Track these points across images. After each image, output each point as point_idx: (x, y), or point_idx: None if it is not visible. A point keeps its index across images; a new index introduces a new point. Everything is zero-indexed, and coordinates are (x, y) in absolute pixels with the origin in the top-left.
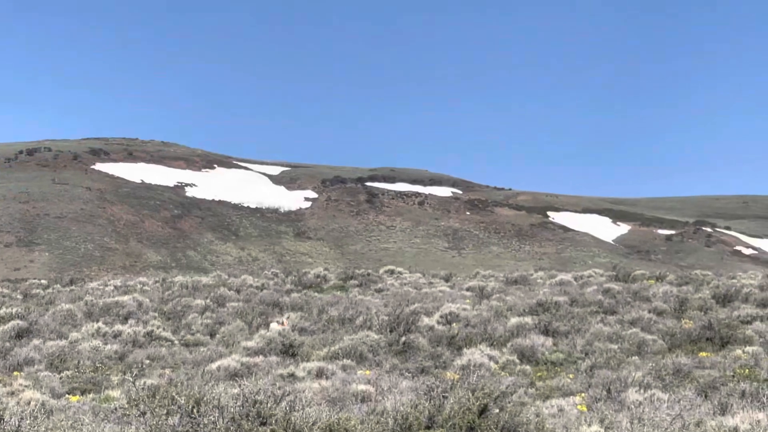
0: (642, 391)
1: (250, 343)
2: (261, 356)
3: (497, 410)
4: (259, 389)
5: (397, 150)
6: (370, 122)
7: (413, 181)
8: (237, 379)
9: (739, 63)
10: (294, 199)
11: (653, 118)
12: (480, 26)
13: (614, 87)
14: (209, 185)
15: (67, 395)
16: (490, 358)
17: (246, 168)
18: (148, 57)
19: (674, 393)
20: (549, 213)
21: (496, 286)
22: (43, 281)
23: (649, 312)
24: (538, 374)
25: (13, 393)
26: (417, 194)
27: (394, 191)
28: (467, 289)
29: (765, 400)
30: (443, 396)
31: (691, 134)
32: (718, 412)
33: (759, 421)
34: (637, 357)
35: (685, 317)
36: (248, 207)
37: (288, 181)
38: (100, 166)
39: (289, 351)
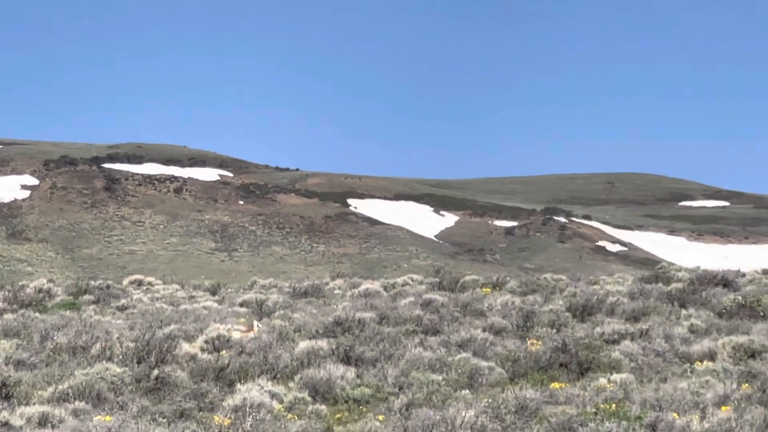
0: None
1: None
2: None
3: None
4: None
5: (146, 121)
6: (106, 83)
7: (167, 161)
8: None
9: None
10: (6, 188)
11: (482, 78)
12: None
13: (429, 39)
14: None
15: None
16: (273, 395)
17: None
18: None
19: None
20: (350, 201)
21: (279, 300)
22: None
23: (484, 331)
24: (337, 416)
25: None
26: (173, 178)
27: (142, 175)
28: (241, 305)
29: None
30: None
31: (533, 97)
32: None
33: None
34: (468, 390)
35: (531, 337)
36: None
37: None
38: None
39: (0, 391)
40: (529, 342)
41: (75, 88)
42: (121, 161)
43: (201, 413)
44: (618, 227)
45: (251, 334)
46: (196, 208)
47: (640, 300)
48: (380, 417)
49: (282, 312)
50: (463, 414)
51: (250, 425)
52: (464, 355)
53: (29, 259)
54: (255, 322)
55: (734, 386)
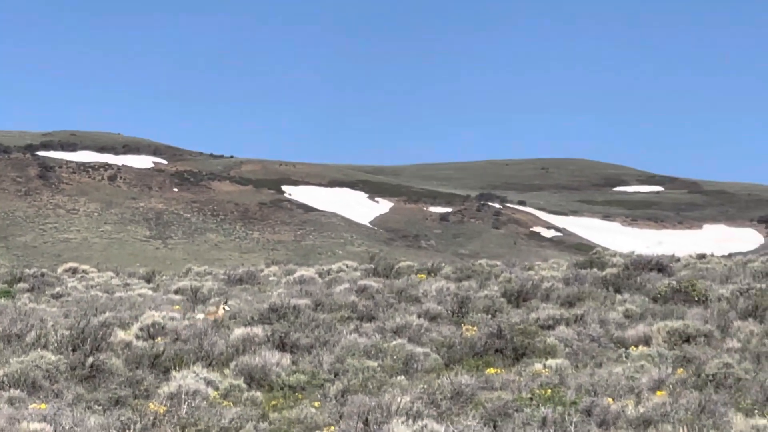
0: (410, 421)
1: None
2: None
3: None
4: None
5: (80, 108)
6: (39, 71)
7: (101, 149)
8: None
9: None
10: None
11: (413, 64)
12: None
13: (359, 24)
14: None
15: None
16: (208, 382)
17: None
18: None
19: (453, 423)
20: (285, 188)
21: (214, 287)
22: None
23: (419, 317)
24: (273, 403)
25: None
26: (107, 166)
27: (77, 162)
28: (176, 292)
29: (573, 429)
30: None
31: (468, 79)
32: None
33: None
34: (403, 377)
35: (466, 322)
36: None
37: None
38: None
39: None
40: (464, 328)
41: (8, 76)
42: (55, 149)
43: (136, 401)
44: (552, 213)
45: (217, 316)
46: (130, 195)
47: (575, 285)
48: (316, 403)
49: (217, 299)
50: (399, 400)
51: (186, 412)
52: (399, 341)
53: None
54: (222, 304)
55: (669, 371)
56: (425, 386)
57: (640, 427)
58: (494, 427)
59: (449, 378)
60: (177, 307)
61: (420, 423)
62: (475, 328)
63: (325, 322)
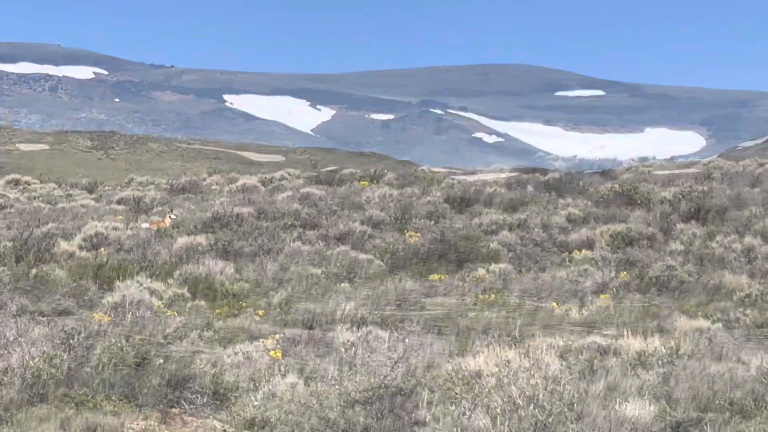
0: (355, 328)
1: None
2: None
3: (161, 360)
4: None
5: (18, 18)
6: None
7: (41, 60)
8: None
9: None
10: None
11: None
12: None
13: None
14: None
15: None
16: (152, 292)
17: None
18: None
19: (397, 329)
20: (226, 96)
21: (157, 197)
22: None
23: (363, 223)
24: (217, 311)
25: None
26: (47, 77)
27: (17, 74)
28: (119, 202)
29: (516, 334)
30: (88, 345)
31: None
32: (456, 351)
33: (509, 361)
34: (347, 283)
35: (409, 229)
36: None
37: None
38: None
39: None
40: (407, 234)
41: None
42: None
43: (81, 311)
44: (494, 118)
45: (163, 225)
46: (72, 106)
47: (518, 190)
48: (260, 311)
49: (160, 208)
50: (343, 306)
51: (130, 321)
52: (343, 248)
53: None
54: (168, 213)
55: (612, 274)
56: (369, 293)
57: (584, 330)
58: (438, 332)
59: (393, 284)
60: (120, 217)
61: (364, 329)
62: (418, 234)
63: (269, 230)
